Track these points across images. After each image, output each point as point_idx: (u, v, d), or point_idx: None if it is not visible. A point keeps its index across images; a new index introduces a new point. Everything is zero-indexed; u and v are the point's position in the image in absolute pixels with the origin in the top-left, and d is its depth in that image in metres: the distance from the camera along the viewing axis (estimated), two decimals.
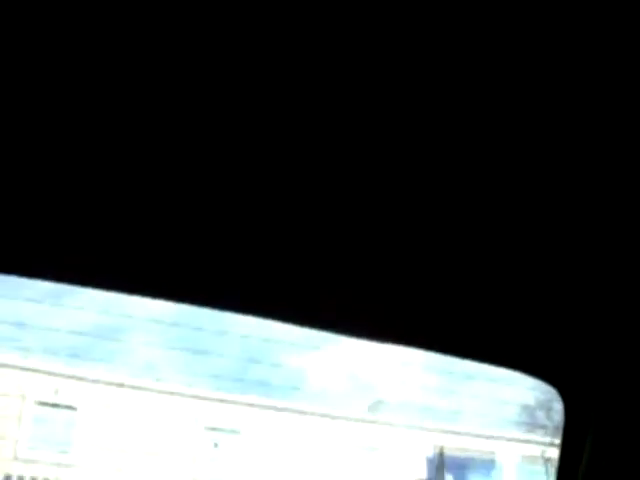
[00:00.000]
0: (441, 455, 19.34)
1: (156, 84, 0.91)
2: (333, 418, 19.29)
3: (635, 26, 0.81)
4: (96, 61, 0.87)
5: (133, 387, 17.72)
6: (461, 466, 19.77)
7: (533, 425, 19.32)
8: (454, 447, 19.72)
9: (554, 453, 14.68)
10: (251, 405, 18.65)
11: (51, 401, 16.85)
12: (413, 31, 0.84)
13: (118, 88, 0.91)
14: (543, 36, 0.83)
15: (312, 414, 19.10)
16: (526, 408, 19.01)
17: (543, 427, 18.57)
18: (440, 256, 1.16)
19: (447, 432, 20.05)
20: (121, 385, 17.61)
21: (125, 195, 1.05)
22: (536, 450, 18.76)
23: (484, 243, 1.13)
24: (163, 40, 0.85)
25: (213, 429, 18.31)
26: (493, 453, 20.45)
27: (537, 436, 18.99)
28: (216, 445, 18.28)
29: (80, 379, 17.23)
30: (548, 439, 17.63)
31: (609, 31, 0.82)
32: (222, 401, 18.45)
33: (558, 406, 1.36)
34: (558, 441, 1.39)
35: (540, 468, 18.55)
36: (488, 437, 20.35)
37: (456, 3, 0.81)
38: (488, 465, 20.42)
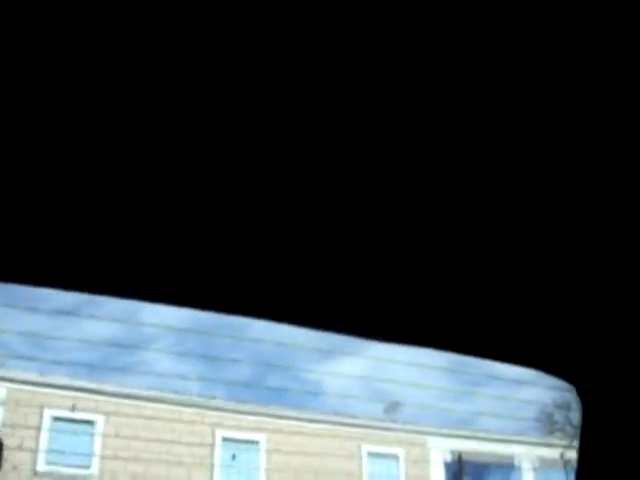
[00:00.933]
0: (459, 460, 19.20)
1: (156, 87, 0.90)
2: (353, 426, 19.17)
3: (635, 26, 0.81)
4: (95, 65, 0.87)
5: (150, 399, 17.67)
6: (479, 471, 19.61)
7: (551, 428, 19.15)
8: (472, 451, 19.57)
9: (573, 455, 14.56)
10: (269, 415, 18.54)
11: (69, 415, 16.83)
12: (413, 31, 0.84)
13: (117, 92, 0.91)
14: (543, 36, 0.83)
15: (331, 423, 18.99)
16: (544, 410, 18.86)
17: (561, 430, 18.41)
18: (452, 254, 1.15)
19: (464, 437, 19.90)
20: (138, 397, 17.57)
21: (134, 202, 1.05)
22: (555, 453, 18.59)
23: (497, 239, 1.13)
24: (163, 40, 0.85)
25: (231, 440, 18.21)
26: (512, 457, 20.29)
27: (555, 439, 18.82)
28: (234, 457, 18.15)
29: (98, 392, 17.21)
30: (566, 442, 17.48)
31: (609, 31, 0.82)
32: (240, 412, 18.35)
33: (576, 409, 1.35)
34: (576, 443, 1.36)
35: (559, 471, 18.38)
36: (506, 441, 20.19)
37: (456, 3, 0.81)
38: (507, 469, 20.24)
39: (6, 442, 14.97)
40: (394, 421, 19.43)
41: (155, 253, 1.13)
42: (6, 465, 13.87)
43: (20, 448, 15.60)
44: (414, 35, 0.85)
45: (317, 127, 0.96)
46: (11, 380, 16.40)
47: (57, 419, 16.74)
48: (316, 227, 1.10)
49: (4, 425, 15.78)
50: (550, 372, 1.34)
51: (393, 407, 19.59)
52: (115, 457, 16.78)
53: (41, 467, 16.22)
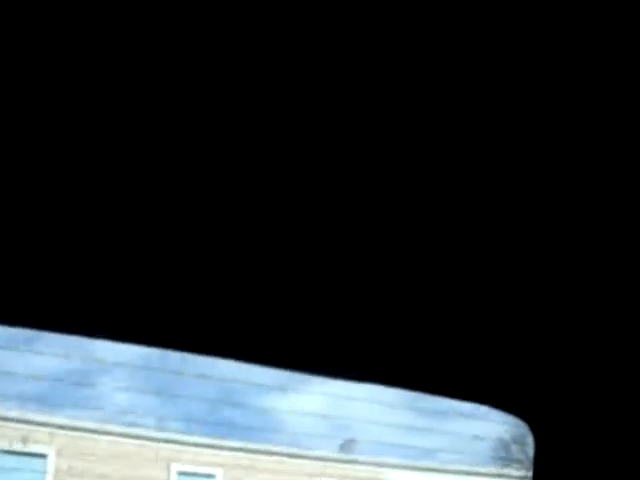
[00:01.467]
0: None
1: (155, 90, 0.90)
2: (309, 459, 19.05)
3: (635, 26, 0.81)
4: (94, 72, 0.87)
5: (104, 433, 17.39)
6: None
7: (508, 459, 19.23)
8: None
9: None
10: (224, 448, 18.37)
11: (19, 449, 16.46)
12: (413, 31, 0.84)
13: (115, 101, 0.90)
14: (543, 36, 0.83)
15: (287, 455, 18.86)
16: (500, 443, 18.94)
17: (518, 461, 18.48)
18: (409, 295, 1.15)
19: (422, 469, 19.89)
20: (92, 431, 17.28)
21: (102, 237, 1.04)
22: None
23: (453, 282, 1.13)
24: (163, 40, 0.84)
25: (186, 474, 17.99)
26: None
27: (512, 470, 18.89)
28: None
29: (50, 426, 16.87)
30: (523, 473, 17.55)
31: (609, 31, 0.82)
32: (195, 445, 18.15)
33: (531, 440, 1.36)
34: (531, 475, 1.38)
35: None
36: (463, 473, 20.22)
37: (456, 3, 0.81)
38: None
39: None
40: (352, 459, 19.33)
41: (116, 290, 1.11)
42: None
43: None
44: (414, 35, 0.84)
45: (312, 142, 0.95)
46: None
47: (8, 452, 16.38)
48: (290, 265, 1.10)
49: None
50: (503, 409, 1.34)
51: (348, 445, 19.48)
52: None
53: None
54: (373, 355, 1.26)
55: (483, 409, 1.36)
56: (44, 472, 16.68)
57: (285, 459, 18.77)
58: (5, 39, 0.82)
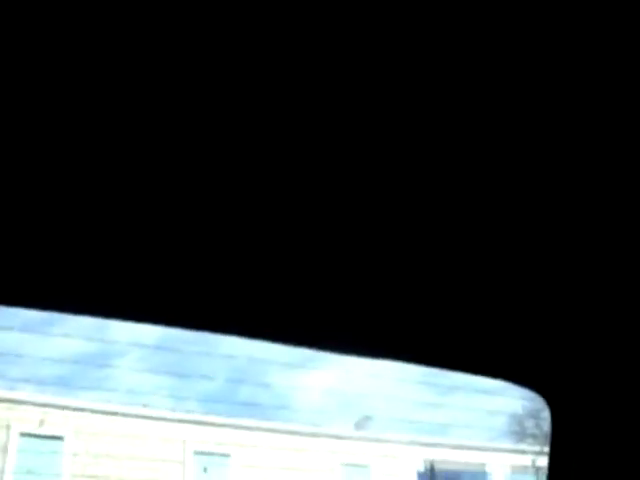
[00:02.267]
0: (432, 469, 19.26)
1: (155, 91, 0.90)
2: (323, 437, 19.16)
3: (635, 26, 0.81)
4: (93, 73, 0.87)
5: (120, 414, 17.53)
6: (452, 479, 19.69)
7: (522, 434, 19.28)
8: (444, 460, 19.65)
9: (544, 462, 14.63)
10: (240, 427, 18.49)
11: (37, 432, 16.63)
12: (413, 31, 0.84)
13: (115, 103, 0.90)
14: (543, 36, 0.83)
15: (301, 434, 18.97)
16: (515, 418, 18.99)
17: (533, 436, 18.54)
18: (424, 268, 1.15)
19: (437, 445, 19.98)
20: (108, 413, 17.42)
21: (112, 219, 1.04)
22: (526, 460, 18.72)
23: (468, 255, 1.13)
24: (163, 40, 0.85)
25: (202, 453, 18.13)
26: (483, 464, 20.40)
27: (527, 445, 18.96)
28: (205, 470, 18.09)
29: (66, 408, 17.02)
30: (538, 448, 17.61)
31: (609, 31, 0.82)
32: (211, 424, 18.28)
33: (547, 415, 1.36)
34: (547, 450, 1.38)
35: (531, 477, 18.51)
36: (478, 448, 20.30)
37: (456, 3, 0.81)
38: (479, 477, 20.35)
39: None
40: (366, 436, 19.45)
41: (132, 269, 1.12)
42: None
43: None
44: (414, 35, 0.84)
45: (312, 143, 0.95)
46: None
47: (26, 434, 16.54)
48: (300, 239, 1.10)
49: None
50: (519, 383, 1.35)
51: (364, 422, 19.59)
52: (85, 474, 16.61)
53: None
54: (389, 331, 1.26)
55: (498, 384, 1.36)
56: (61, 453, 16.83)
57: (301, 438, 18.88)
58: (5, 39, 0.82)
